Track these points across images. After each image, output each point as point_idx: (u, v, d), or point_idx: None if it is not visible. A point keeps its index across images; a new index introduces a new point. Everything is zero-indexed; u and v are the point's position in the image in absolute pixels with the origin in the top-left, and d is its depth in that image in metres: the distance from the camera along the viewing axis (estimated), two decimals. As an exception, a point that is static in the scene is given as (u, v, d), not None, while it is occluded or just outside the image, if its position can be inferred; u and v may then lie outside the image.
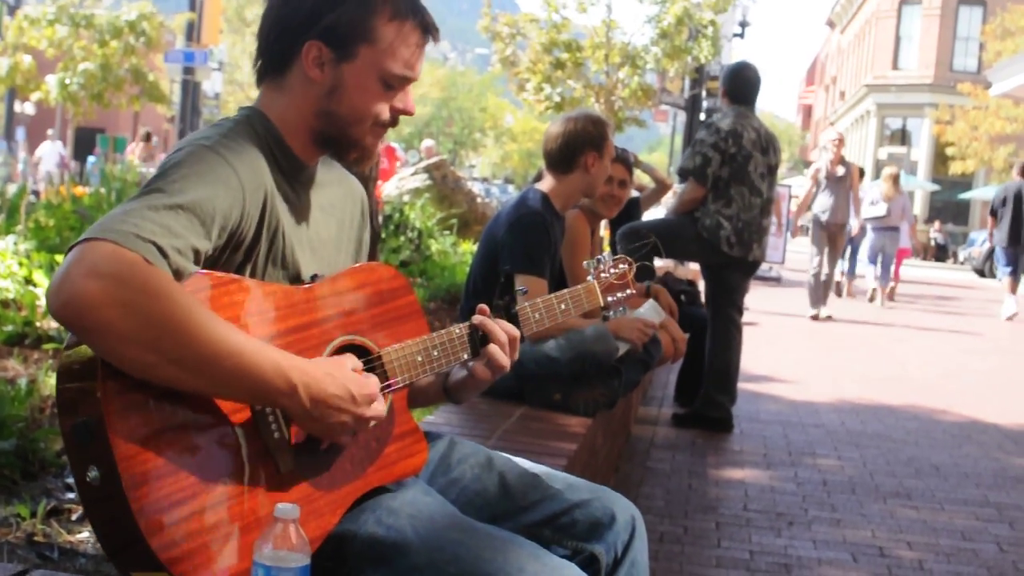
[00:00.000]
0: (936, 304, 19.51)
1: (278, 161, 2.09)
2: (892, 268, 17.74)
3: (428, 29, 2.15)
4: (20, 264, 6.57)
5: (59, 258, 6.70)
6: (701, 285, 7.96)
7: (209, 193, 1.86)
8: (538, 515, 2.25)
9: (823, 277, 14.79)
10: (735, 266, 7.06)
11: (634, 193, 8.36)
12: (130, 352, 1.69)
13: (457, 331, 2.20)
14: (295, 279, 2.10)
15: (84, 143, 33.37)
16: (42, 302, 5.93)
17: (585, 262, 2.63)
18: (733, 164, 6.88)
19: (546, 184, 4.61)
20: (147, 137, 23.58)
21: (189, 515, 1.75)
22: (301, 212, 2.15)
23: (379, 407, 1.96)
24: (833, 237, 14.73)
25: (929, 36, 51.55)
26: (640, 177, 8.35)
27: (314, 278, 2.10)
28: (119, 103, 29.07)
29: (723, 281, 7.14)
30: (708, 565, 4.62)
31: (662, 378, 8.92)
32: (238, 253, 1.99)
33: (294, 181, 2.14)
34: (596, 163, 4.60)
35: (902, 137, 53.42)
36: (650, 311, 5.06)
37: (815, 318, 14.60)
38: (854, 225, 15.20)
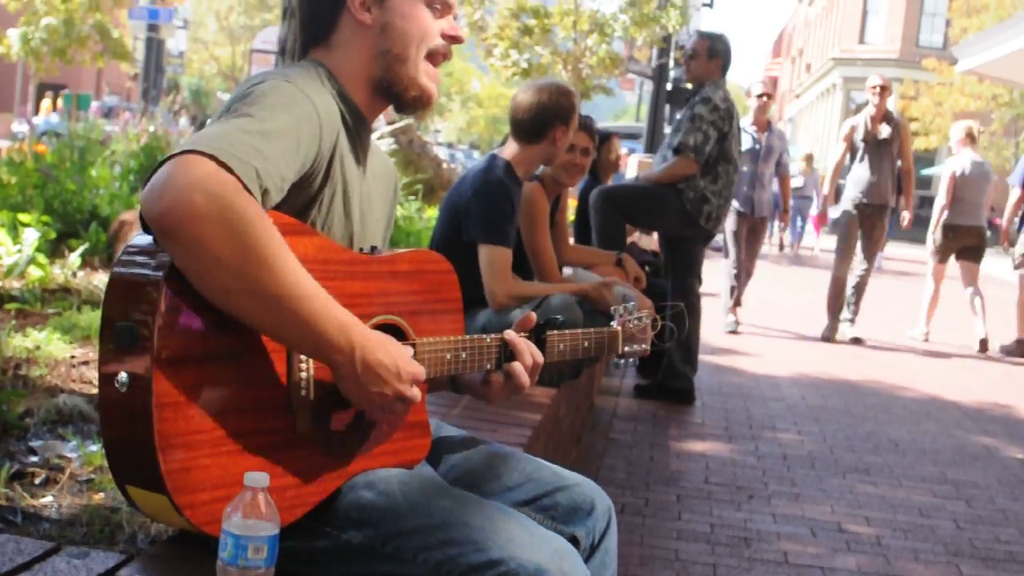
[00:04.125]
0: (897, 279, 19.63)
1: (342, 113, 2.12)
2: (803, 229, 23.84)
3: None
4: (-19, 222, 6.49)
5: (22, 216, 6.61)
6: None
7: (295, 124, 1.90)
8: (522, 495, 2.26)
9: (854, 280, 10.96)
10: (699, 238, 7.09)
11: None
12: (216, 272, 1.70)
13: (488, 340, 2.22)
14: (350, 236, 2.14)
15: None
16: (4, 261, 5.86)
17: (613, 307, 2.69)
18: (724, 142, 6.87)
19: (509, 151, 4.59)
20: None
21: (202, 447, 1.76)
22: (366, 170, 2.20)
23: (417, 392, 1.96)
24: (871, 223, 10.60)
25: (896, 11, 51.68)
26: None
27: (374, 250, 2.16)
28: (82, 60, 28.69)
29: (686, 252, 7.14)
30: (669, 537, 4.64)
31: (625, 349, 8.93)
32: (303, 194, 2.01)
33: (356, 137, 2.17)
34: (563, 136, 4.60)
35: (867, 111, 53.58)
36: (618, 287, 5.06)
37: (828, 339, 10.92)
38: (905, 215, 11.05)
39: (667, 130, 8.00)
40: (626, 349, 2.66)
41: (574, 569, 1.94)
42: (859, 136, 10.57)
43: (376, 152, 2.35)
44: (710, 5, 32.45)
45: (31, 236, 6.12)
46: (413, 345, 2.08)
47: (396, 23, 2.16)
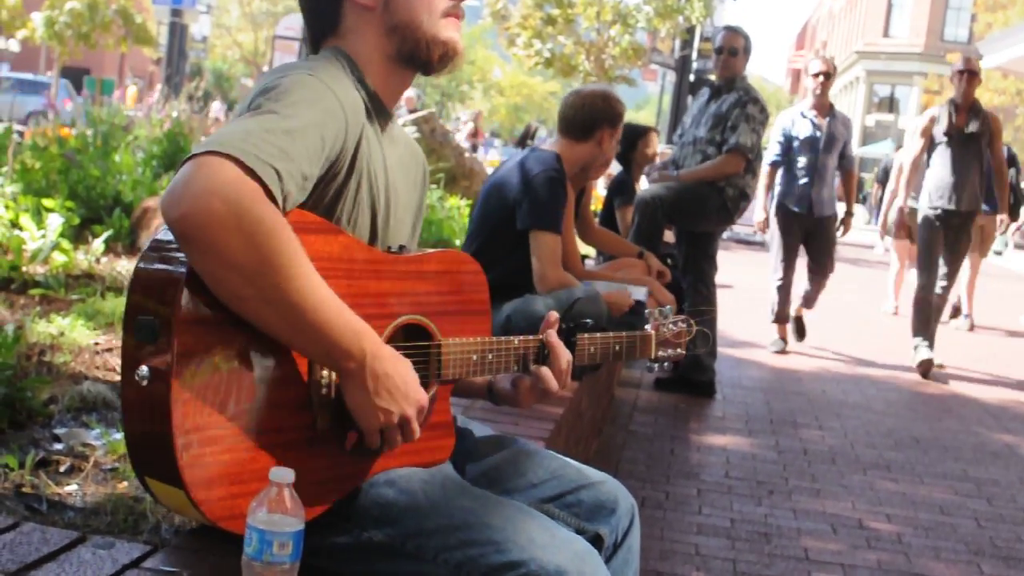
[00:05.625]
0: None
1: (365, 103, 2.09)
2: None
3: None
4: (6, 207, 6.50)
5: (46, 202, 6.64)
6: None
7: (319, 120, 1.87)
8: (546, 492, 2.26)
9: (937, 302, 8.96)
10: (721, 230, 7.24)
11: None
12: (231, 279, 1.69)
13: (516, 343, 2.20)
14: (374, 228, 2.11)
15: (70, 83, 33.07)
16: (28, 247, 5.88)
17: (648, 311, 2.65)
18: (761, 139, 7.00)
19: (558, 146, 4.72)
20: None
21: (221, 443, 1.76)
22: (387, 160, 2.16)
23: (417, 425, 1.94)
24: (955, 234, 8.79)
25: (921, 5, 51.49)
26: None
27: (402, 249, 2.13)
28: (106, 44, 28.79)
29: (706, 246, 7.22)
30: (689, 532, 4.64)
31: (645, 341, 8.92)
32: (330, 188, 1.99)
33: (379, 125, 2.15)
34: (608, 140, 4.73)
35: (890, 104, 53.44)
36: (641, 291, 5.07)
37: (925, 373, 8.92)
38: (1004, 222, 9.41)
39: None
40: (660, 353, 2.61)
41: (595, 571, 1.93)
42: (940, 129, 8.74)
43: (402, 138, 2.31)
44: (734, -4, 32.36)
45: (55, 222, 6.14)
46: (439, 345, 2.07)
47: None
